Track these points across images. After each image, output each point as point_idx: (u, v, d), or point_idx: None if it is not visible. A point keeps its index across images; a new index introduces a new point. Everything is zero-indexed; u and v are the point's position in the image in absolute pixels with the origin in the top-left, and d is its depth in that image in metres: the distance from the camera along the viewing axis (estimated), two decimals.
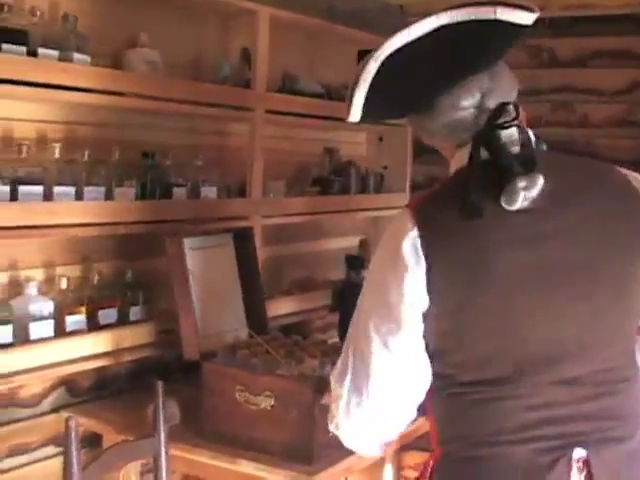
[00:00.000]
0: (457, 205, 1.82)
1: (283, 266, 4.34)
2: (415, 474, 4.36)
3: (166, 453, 2.74)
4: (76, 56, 2.97)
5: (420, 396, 1.93)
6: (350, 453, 2.84)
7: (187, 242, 3.20)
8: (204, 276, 3.23)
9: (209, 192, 3.54)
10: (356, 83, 1.90)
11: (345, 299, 4.10)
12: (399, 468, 4.33)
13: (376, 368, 1.89)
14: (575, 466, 1.85)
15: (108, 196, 3.12)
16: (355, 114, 1.93)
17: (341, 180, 4.45)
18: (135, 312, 3.31)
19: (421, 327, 1.85)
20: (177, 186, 3.39)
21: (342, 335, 3.89)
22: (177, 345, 3.17)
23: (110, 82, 3.07)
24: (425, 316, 1.84)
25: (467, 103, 1.93)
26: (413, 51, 1.87)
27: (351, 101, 1.92)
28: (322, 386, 2.68)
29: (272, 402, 2.79)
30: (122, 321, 3.25)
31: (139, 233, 3.24)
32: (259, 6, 3.71)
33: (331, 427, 2.05)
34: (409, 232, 1.83)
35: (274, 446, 2.80)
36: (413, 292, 1.82)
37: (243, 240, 3.48)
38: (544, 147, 2.45)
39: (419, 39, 1.86)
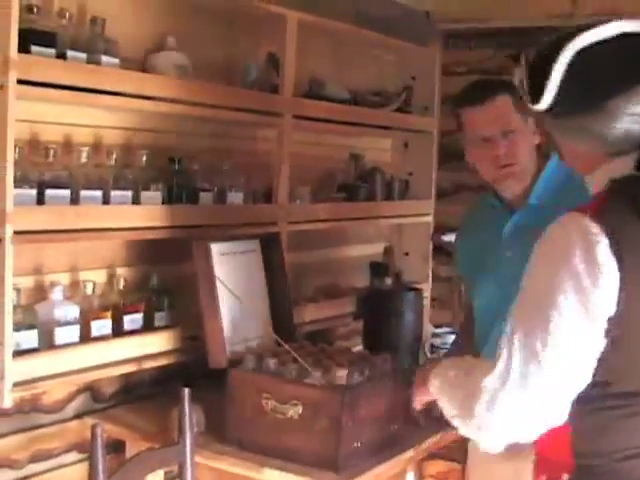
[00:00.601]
0: (631, 214, 1.89)
1: (307, 273, 4.31)
2: None
3: (191, 461, 2.72)
4: (104, 59, 2.95)
5: (571, 400, 1.94)
6: (376, 463, 2.84)
7: (214, 247, 3.17)
8: (231, 282, 3.21)
9: (235, 197, 3.51)
10: (549, 72, 1.94)
11: (369, 306, 4.07)
12: (421, 477, 4.31)
13: (550, 364, 1.90)
14: None
15: (135, 200, 3.09)
16: (546, 101, 1.97)
17: (366, 186, 4.42)
18: (160, 318, 3.28)
19: (602, 331, 1.88)
20: (203, 191, 3.37)
21: (366, 343, 3.87)
22: (202, 351, 3.14)
23: (139, 85, 3.05)
24: (608, 321, 1.88)
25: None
26: (592, 53, 1.92)
27: (543, 88, 1.95)
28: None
29: (300, 411, 2.77)
30: (147, 327, 3.22)
31: (165, 238, 3.21)
32: (287, 10, 3.69)
33: (466, 429, 2.07)
34: (599, 239, 1.86)
35: (300, 455, 2.78)
36: (606, 297, 1.86)
37: (270, 246, 3.45)
38: None
39: (599, 42, 1.92)
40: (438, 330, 4.14)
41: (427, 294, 4.84)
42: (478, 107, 2.88)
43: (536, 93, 1.98)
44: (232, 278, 3.23)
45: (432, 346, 4.00)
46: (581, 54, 1.92)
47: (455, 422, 2.11)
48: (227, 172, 3.54)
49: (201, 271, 3.13)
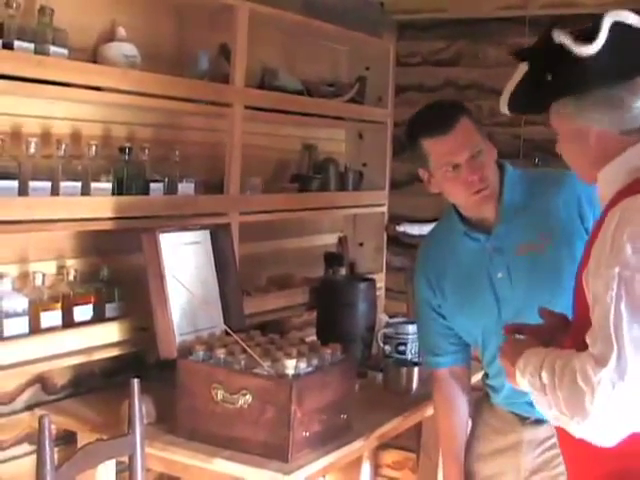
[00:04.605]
0: None
1: (261, 263, 4.31)
2: (393, 473, 4.38)
3: (142, 452, 2.72)
4: (53, 49, 2.93)
5: None
6: (325, 452, 2.85)
7: (164, 238, 3.16)
8: (181, 273, 3.20)
9: (186, 188, 3.51)
10: (598, 26, 2.00)
11: (323, 297, 4.09)
12: (377, 466, 4.33)
13: None
14: None
15: (85, 191, 3.08)
16: (598, 44, 2.00)
17: (320, 177, 4.43)
18: (111, 309, 3.27)
19: None
20: (154, 182, 3.36)
21: (320, 333, 3.88)
22: (153, 342, 3.14)
23: (87, 76, 3.04)
24: None
25: None
26: (626, 28, 2.03)
27: (595, 32, 2.00)
28: None
29: (249, 401, 2.77)
30: (98, 318, 3.21)
31: (115, 229, 3.20)
32: (238, 1, 3.68)
33: (574, 421, 1.92)
34: None
35: (250, 445, 2.79)
36: None
37: (221, 237, 3.45)
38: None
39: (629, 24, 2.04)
40: (392, 320, 4.14)
41: (381, 284, 4.86)
42: (445, 136, 2.74)
43: (587, 37, 2.01)
44: (182, 269, 3.23)
45: (385, 336, 4.00)
46: (618, 26, 2.00)
47: (560, 422, 1.98)
48: (178, 163, 3.53)
49: (151, 262, 3.12)
